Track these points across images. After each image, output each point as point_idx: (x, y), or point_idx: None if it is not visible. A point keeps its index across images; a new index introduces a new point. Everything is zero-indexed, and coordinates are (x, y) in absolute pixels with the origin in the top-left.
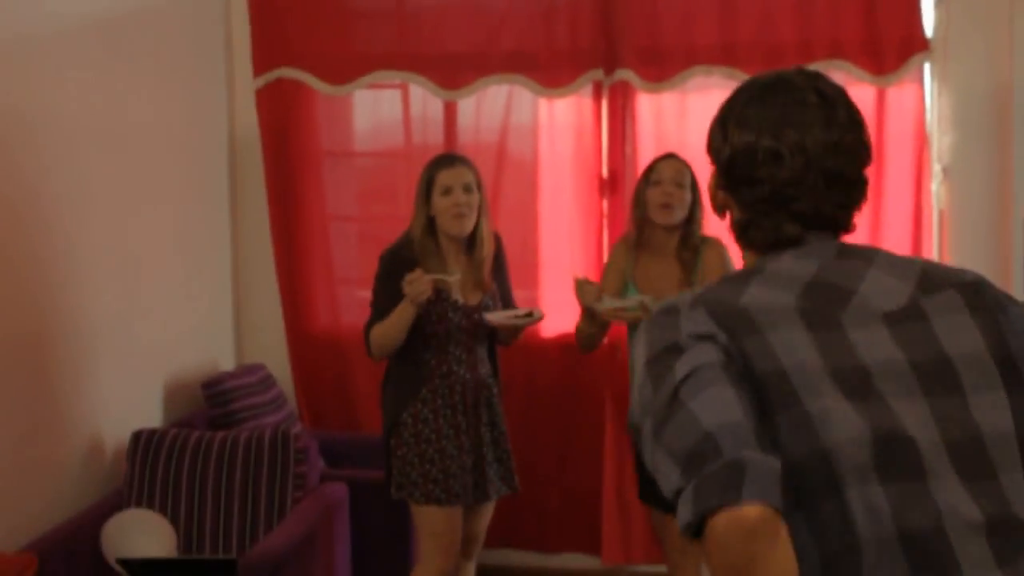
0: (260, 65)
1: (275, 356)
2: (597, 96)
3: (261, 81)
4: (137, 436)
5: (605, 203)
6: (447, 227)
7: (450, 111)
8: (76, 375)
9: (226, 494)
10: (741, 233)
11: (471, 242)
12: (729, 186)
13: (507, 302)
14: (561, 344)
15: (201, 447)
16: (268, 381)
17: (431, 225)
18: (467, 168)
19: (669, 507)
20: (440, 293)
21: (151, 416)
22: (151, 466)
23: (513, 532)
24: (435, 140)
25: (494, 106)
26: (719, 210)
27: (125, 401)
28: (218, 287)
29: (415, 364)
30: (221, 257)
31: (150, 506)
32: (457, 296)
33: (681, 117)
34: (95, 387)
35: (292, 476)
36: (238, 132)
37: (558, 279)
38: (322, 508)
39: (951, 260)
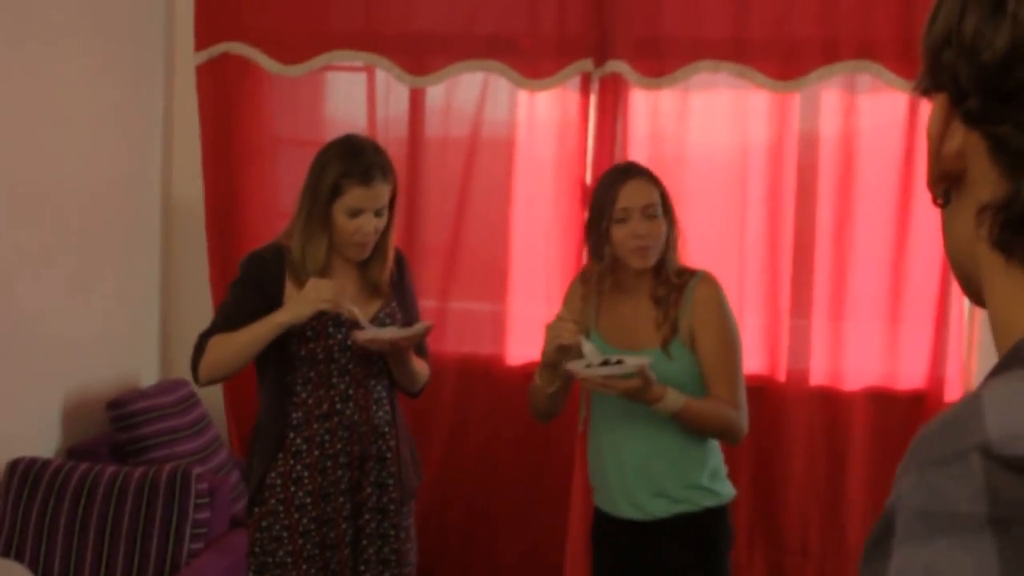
0: (202, 38)
1: None
2: (585, 90)
3: (203, 56)
4: (13, 466)
5: (587, 213)
6: (345, 250)
7: (417, 100)
8: None
9: (110, 542)
10: (1017, 225)
11: (368, 256)
12: (998, 118)
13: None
14: (529, 374)
15: (87, 483)
16: (190, 401)
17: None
18: (385, 184)
19: None
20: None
21: (46, 440)
22: (26, 504)
23: None
24: (398, 133)
25: (466, 97)
26: (941, 181)
27: (12, 421)
28: (143, 290)
29: (285, 404)
30: (148, 255)
31: (20, 552)
32: (344, 310)
33: (681, 118)
34: None
35: (191, 523)
36: (176, 113)
37: (529, 297)
38: (226, 563)
39: None
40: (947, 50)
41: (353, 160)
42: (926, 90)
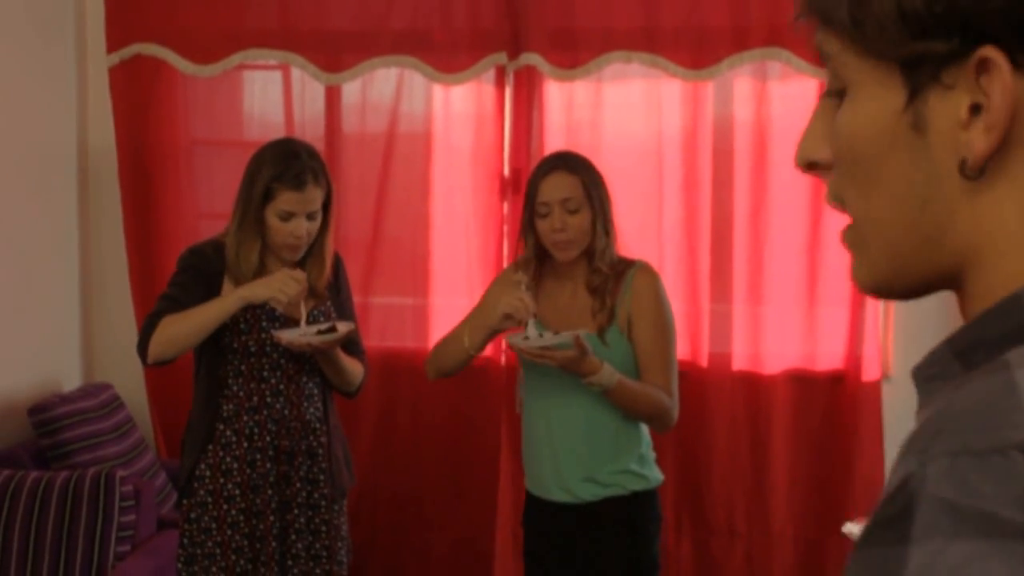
0: (114, 40)
1: (130, 373)
2: (500, 83)
3: (115, 58)
4: None
5: (506, 206)
6: (278, 252)
7: (333, 96)
8: None
9: (35, 548)
10: None
11: (303, 257)
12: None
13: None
14: None
15: (9, 490)
16: (113, 404)
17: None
18: (318, 188)
19: None
20: None
21: None
22: None
23: None
24: (315, 131)
25: (382, 92)
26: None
27: None
28: (62, 294)
29: (216, 396)
30: (66, 260)
31: None
32: (279, 306)
33: (596, 109)
34: None
35: (116, 527)
36: (90, 116)
37: (451, 289)
38: (153, 566)
39: None
40: None
41: (286, 164)
42: (939, 63)
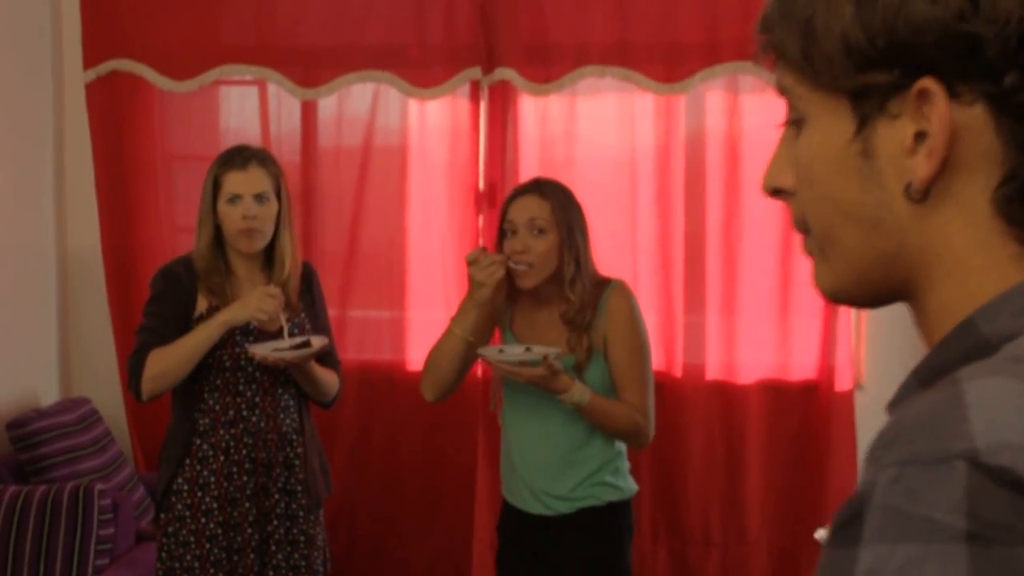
0: (91, 56)
1: (107, 388)
2: (475, 97)
3: (92, 74)
4: None
5: (481, 219)
6: (234, 242)
7: (309, 111)
8: None
9: (14, 562)
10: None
11: (269, 260)
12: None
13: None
14: None
15: None
16: (91, 418)
17: (218, 236)
18: (262, 171)
19: None
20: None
21: None
22: None
23: None
24: (292, 146)
25: (358, 106)
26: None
27: None
28: (39, 308)
29: (192, 410)
30: (43, 273)
31: None
32: (253, 320)
33: (570, 122)
34: None
35: (95, 540)
36: (67, 132)
37: (427, 302)
38: None
39: None
40: (958, 24)
41: (229, 155)
42: (892, 87)
